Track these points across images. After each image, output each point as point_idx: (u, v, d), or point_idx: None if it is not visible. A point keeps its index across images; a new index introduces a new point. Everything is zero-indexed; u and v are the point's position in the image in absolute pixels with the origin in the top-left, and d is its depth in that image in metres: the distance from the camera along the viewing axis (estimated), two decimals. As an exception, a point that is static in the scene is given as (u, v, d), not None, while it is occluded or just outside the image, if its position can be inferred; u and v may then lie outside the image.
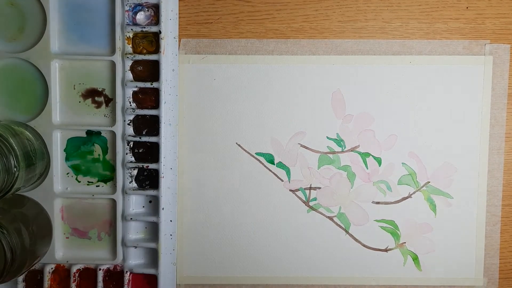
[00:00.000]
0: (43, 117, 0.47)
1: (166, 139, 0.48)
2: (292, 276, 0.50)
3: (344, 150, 0.50)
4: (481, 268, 0.51)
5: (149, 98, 0.48)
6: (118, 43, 0.47)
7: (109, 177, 0.49)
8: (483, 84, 0.49)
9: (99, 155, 0.49)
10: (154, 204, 0.49)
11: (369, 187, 0.50)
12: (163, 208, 0.48)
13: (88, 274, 0.49)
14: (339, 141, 0.50)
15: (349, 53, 0.49)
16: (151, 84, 0.47)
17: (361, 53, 0.49)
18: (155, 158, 0.48)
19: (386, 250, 0.50)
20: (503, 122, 0.50)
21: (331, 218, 0.50)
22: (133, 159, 0.48)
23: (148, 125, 0.48)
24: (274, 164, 0.50)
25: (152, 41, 0.47)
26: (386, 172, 0.50)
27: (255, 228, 0.50)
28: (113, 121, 0.48)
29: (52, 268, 0.49)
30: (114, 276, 0.49)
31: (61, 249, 0.49)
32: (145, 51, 0.48)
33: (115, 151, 0.48)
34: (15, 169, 0.41)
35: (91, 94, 0.48)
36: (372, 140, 0.50)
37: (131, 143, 0.48)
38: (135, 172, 0.48)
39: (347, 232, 0.50)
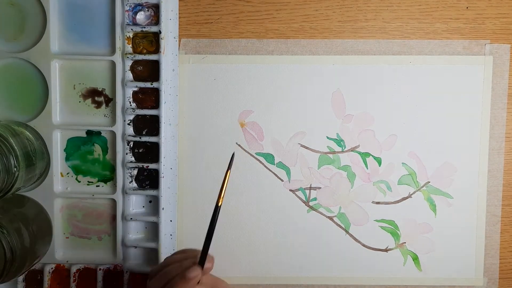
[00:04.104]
0: (43, 117, 0.47)
1: (166, 139, 0.48)
2: (292, 276, 0.50)
3: (344, 150, 0.50)
4: (481, 268, 0.51)
5: (149, 98, 0.48)
6: (118, 43, 0.47)
7: (109, 177, 0.49)
8: (483, 84, 0.49)
9: (99, 155, 0.49)
10: (154, 204, 0.49)
11: (369, 187, 0.50)
12: (163, 208, 0.48)
13: (88, 274, 0.49)
14: (339, 141, 0.50)
15: (349, 53, 0.49)
16: (151, 84, 0.47)
17: (361, 53, 0.49)
18: (155, 158, 0.48)
19: (386, 250, 0.50)
20: (503, 122, 0.50)
21: (331, 218, 0.50)
22: (133, 159, 0.48)
23: (148, 125, 0.48)
24: (274, 164, 0.50)
25: (152, 41, 0.47)
26: (386, 172, 0.50)
27: (255, 228, 0.50)
28: (113, 121, 0.48)
29: (52, 268, 0.49)
30: (114, 276, 0.49)
31: (61, 249, 0.49)
32: (145, 51, 0.48)
33: (115, 151, 0.48)
34: (15, 169, 0.41)
35: (91, 94, 0.48)
36: (372, 140, 0.50)
37: (131, 143, 0.48)
38: (135, 172, 0.48)
39: (347, 232, 0.50)
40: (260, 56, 0.49)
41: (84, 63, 0.48)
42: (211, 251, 0.49)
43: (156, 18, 0.47)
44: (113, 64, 0.47)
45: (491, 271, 0.51)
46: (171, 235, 0.49)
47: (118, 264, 0.49)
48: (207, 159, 0.50)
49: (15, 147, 0.42)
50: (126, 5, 0.47)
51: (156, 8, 0.47)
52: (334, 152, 0.50)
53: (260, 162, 0.50)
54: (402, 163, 0.50)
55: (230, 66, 0.49)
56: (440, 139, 0.50)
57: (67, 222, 0.49)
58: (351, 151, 0.50)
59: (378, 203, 0.50)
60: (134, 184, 0.49)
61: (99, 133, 0.48)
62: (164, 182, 0.48)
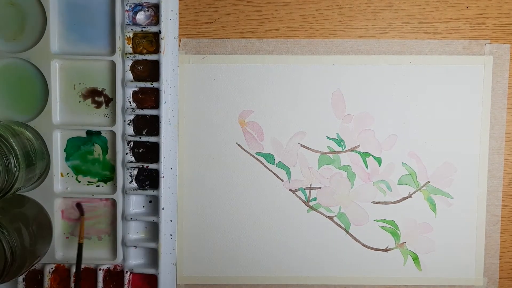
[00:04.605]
0: (43, 117, 0.47)
1: (166, 139, 0.48)
2: (292, 276, 0.50)
3: (344, 150, 0.50)
4: (481, 268, 0.51)
5: (149, 98, 0.48)
6: (118, 43, 0.47)
7: (109, 177, 0.49)
8: (483, 84, 0.49)
9: (99, 155, 0.49)
10: (154, 204, 0.49)
11: (369, 187, 0.50)
12: (163, 208, 0.48)
13: (88, 274, 0.49)
14: (339, 141, 0.50)
15: (349, 53, 0.49)
16: (151, 84, 0.47)
17: (361, 53, 0.49)
18: (155, 158, 0.48)
19: (386, 250, 0.50)
20: (503, 122, 0.50)
21: (331, 218, 0.50)
22: (133, 159, 0.48)
23: (148, 125, 0.48)
24: (274, 164, 0.50)
25: (152, 41, 0.47)
26: (386, 172, 0.50)
27: (255, 228, 0.50)
28: (113, 121, 0.48)
29: (52, 268, 0.49)
30: (114, 276, 0.49)
31: (61, 249, 0.49)
32: (145, 51, 0.47)
33: (115, 151, 0.48)
34: (15, 169, 0.41)
35: (91, 94, 0.48)
36: (372, 140, 0.50)
37: (131, 143, 0.48)
38: (135, 172, 0.48)
39: (347, 232, 0.50)
40: (260, 56, 0.49)
41: (84, 63, 0.48)
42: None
43: (156, 18, 0.47)
44: (113, 64, 0.47)
45: (491, 271, 0.51)
46: (171, 235, 0.49)
47: (118, 264, 0.49)
48: (207, 159, 0.50)
49: (15, 147, 0.42)
50: (126, 5, 0.47)
51: (156, 8, 0.47)
52: (334, 152, 0.50)
53: (260, 162, 0.50)
54: (402, 163, 0.50)
55: (230, 66, 0.49)
56: (440, 139, 0.50)
57: (67, 222, 0.49)
58: (351, 151, 0.50)
59: (378, 203, 0.50)
60: (134, 184, 0.49)
61: (99, 133, 0.48)
62: (164, 182, 0.48)
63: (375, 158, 0.50)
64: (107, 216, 0.49)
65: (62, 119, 0.48)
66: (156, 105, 0.48)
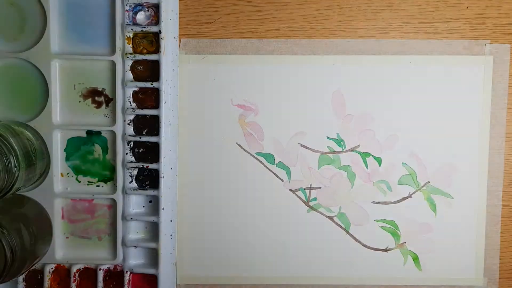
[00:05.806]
0: (43, 117, 0.47)
1: (166, 139, 0.48)
2: (292, 276, 0.50)
3: (344, 150, 0.50)
4: (482, 268, 0.51)
5: (149, 98, 0.48)
6: (118, 43, 0.47)
7: (109, 177, 0.49)
8: (483, 84, 0.49)
9: (99, 155, 0.49)
10: (154, 204, 0.49)
11: (369, 187, 0.50)
12: (163, 208, 0.48)
13: (88, 274, 0.49)
14: (339, 141, 0.50)
15: (349, 53, 0.49)
16: (151, 84, 0.47)
17: (361, 53, 0.49)
18: (155, 158, 0.48)
19: (386, 250, 0.50)
20: (503, 122, 0.50)
21: (331, 218, 0.50)
22: (133, 159, 0.48)
23: (148, 125, 0.48)
24: (274, 164, 0.50)
25: (152, 41, 0.47)
26: (386, 172, 0.50)
27: (255, 228, 0.50)
28: (113, 121, 0.48)
29: (52, 268, 0.49)
30: (114, 276, 0.49)
31: (61, 249, 0.49)
32: (145, 51, 0.47)
33: (115, 151, 0.48)
34: (15, 169, 0.41)
35: (91, 94, 0.48)
36: (372, 140, 0.50)
37: (131, 143, 0.48)
38: (135, 172, 0.48)
39: (347, 232, 0.50)
40: (260, 56, 0.49)
41: (84, 63, 0.48)
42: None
43: (156, 18, 0.47)
44: (113, 64, 0.47)
45: (491, 271, 0.51)
46: (171, 235, 0.49)
47: (118, 264, 0.49)
48: (207, 159, 0.50)
49: (15, 147, 0.42)
50: (126, 5, 0.47)
51: (156, 8, 0.47)
52: (334, 152, 0.50)
53: (260, 162, 0.50)
54: (402, 163, 0.50)
55: (230, 66, 0.49)
56: (440, 139, 0.50)
57: (67, 222, 0.49)
58: (351, 151, 0.50)
59: (378, 203, 0.50)
60: (134, 184, 0.49)
61: (99, 133, 0.48)
62: (164, 182, 0.48)
63: (375, 158, 0.50)
64: (107, 216, 0.49)
65: (62, 119, 0.48)
66: (156, 105, 0.48)
